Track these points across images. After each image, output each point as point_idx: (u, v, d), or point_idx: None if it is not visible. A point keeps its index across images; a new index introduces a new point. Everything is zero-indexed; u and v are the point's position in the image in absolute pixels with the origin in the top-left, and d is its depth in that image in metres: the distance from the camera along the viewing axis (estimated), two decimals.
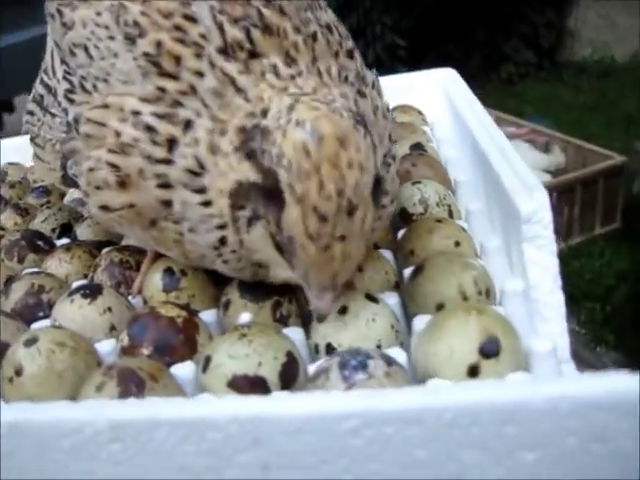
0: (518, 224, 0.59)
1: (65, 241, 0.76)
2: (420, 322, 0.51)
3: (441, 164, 0.77)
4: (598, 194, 2.50)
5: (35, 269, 0.68)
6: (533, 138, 2.79)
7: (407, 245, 0.61)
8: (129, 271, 0.64)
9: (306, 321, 0.54)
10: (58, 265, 0.68)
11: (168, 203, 0.51)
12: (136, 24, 0.52)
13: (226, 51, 0.49)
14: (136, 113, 0.50)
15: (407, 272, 0.58)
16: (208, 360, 0.47)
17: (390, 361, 0.44)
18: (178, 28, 0.50)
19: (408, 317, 0.55)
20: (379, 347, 0.49)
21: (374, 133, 0.48)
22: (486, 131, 0.74)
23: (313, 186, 0.41)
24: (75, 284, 0.64)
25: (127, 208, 0.53)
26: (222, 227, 0.49)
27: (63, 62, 0.60)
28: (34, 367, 0.48)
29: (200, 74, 0.49)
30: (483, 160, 0.70)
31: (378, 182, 0.46)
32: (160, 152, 0.50)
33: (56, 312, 0.57)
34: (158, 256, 0.63)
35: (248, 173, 0.46)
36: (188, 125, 0.49)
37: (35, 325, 0.59)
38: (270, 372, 0.46)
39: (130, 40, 0.52)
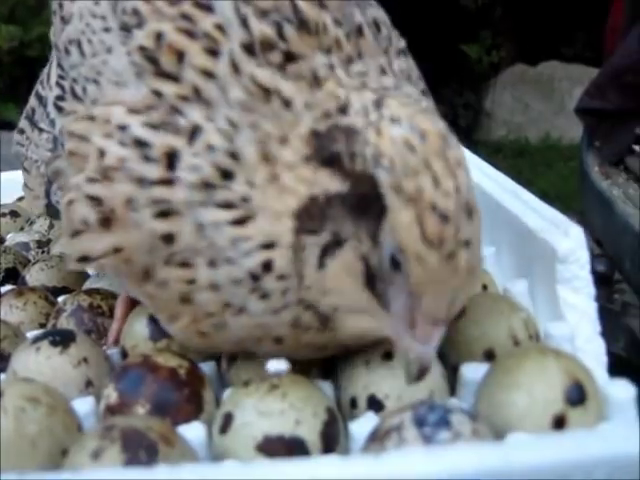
0: (551, 265, 0.54)
1: (10, 288, 0.64)
2: (470, 371, 0.44)
3: None
4: None
5: None
6: None
7: None
8: (101, 317, 0.54)
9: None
10: (8, 312, 0.56)
11: (169, 238, 0.40)
12: (135, 12, 0.43)
13: (253, 51, 0.40)
14: (123, 127, 0.41)
15: None
16: (229, 418, 0.38)
17: (473, 415, 0.36)
18: (185, 17, 0.41)
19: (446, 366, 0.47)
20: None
21: None
22: (489, 178, 0.70)
23: (427, 182, 0.35)
24: (31, 333, 0.53)
25: (112, 254, 0.42)
26: (268, 246, 0.39)
27: (59, 66, 0.51)
28: None
29: (210, 75, 0.40)
30: (492, 205, 0.65)
31: None
32: (155, 171, 0.40)
33: (16, 363, 0.46)
34: (135, 300, 0.53)
35: (328, 184, 0.37)
36: (196, 132, 0.40)
37: None
38: (309, 432, 0.37)
39: (126, 31, 0.43)
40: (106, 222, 0.41)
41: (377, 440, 0.35)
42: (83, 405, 0.43)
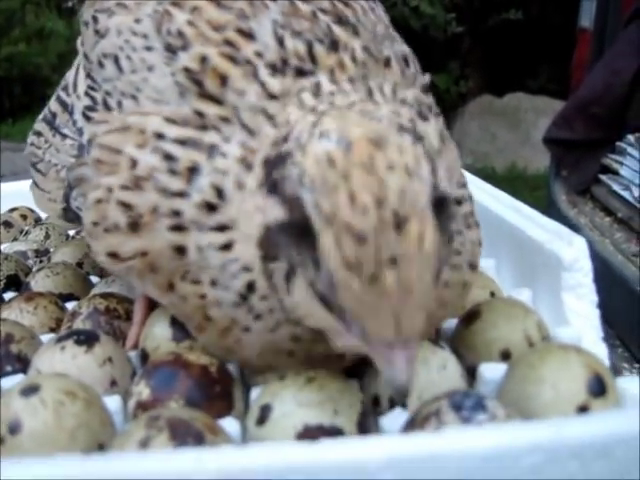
0: (556, 273, 0.56)
1: (13, 295, 0.64)
2: (489, 370, 0.45)
3: None
4: None
5: None
6: None
7: None
8: (118, 321, 0.54)
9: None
10: (19, 316, 0.56)
11: (182, 250, 0.42)
12: (180, 34, 0.44)
13: (275, 66, 0.42)
14: (159, 136, 0.42)
15: (445, 323, 0.53)
16: (267, 410, 0.39)
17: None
18: (229, 43, 0.43)
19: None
20: None
21: (439, 160, 0.37)
22: (487, 193, 0.73)
23: (342, 199, 0.32)
24: (44, 336, 0.53)
25: (139, 257, 0.44)
26: (248, 269, 0.40)
27: (88, 76, 0.52)
28: (37, 423, 0.37)
29: (243, 93, 0.41)
30: (491, 218, 0.68)
31: (442, 202, 0.35)
32: (177, 183, 0.41)
33: (40, 362, 0.46)
34: (152, 304, 0.54)
35: (274, 211, 0.36)
36: (212, 151, 0.41)
37: (5, 381, 0.47)
38: (347, 422, 0.38)
39: (171, 52, 0.44)
40: (135, 226, 0.43)
41: (415, 426, 0.36)
42: (111, 403, 0.43)
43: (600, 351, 0.53)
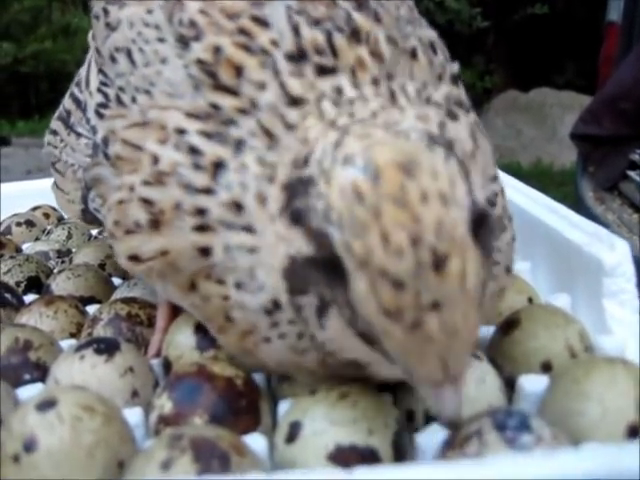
0: (596, 278, 0.53)
1: (34, 297, 0.62)
2: (529, 383, 0.43)
3: None
4: None
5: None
6: None
7: None
8: (140, 327, 0.52)
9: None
10: (38, 320, 0.54)
11: (207, 251, 0.39)
12: (192, 24, 0.42)
13: (296, 58, 0.39)
14: (180, 131, 0.40)
15: (481, 331, 0.50)
16: (296, 427, 0.36)
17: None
18: (244, 32, 0.40)
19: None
20: None
21: (472, 165, 0.35)
22: (522, 193, 0.70)
23: (374, 240, 0.29)
24: (63, 342, 0.51)
25: (159, 257, 0.41)
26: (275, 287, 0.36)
27: (100, 72, 0.50)
28: (53, 440, 0.35)
29: (263, 86, 0.39)
30: (527, 220, 0.65)
31: (482, 219, 0.32)
32: (202, 179, 0.39)
33: (58, 372, 0.44)
34: (175, 310, 0.52)
35: (299, 243, 0.33)
36: (239, 146, 0.38)
37: (22, 390, 0.45)
38: (382, 442, 0.36)
39: (183, 43, 0.42)
40: (156, 224, 0.41)
41: (455, 447, 0.34)
42: (132, 416, 0.41)
43: None
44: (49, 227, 0.86)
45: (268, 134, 0.37)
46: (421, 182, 0.30)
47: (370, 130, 0.33)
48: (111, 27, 0.48)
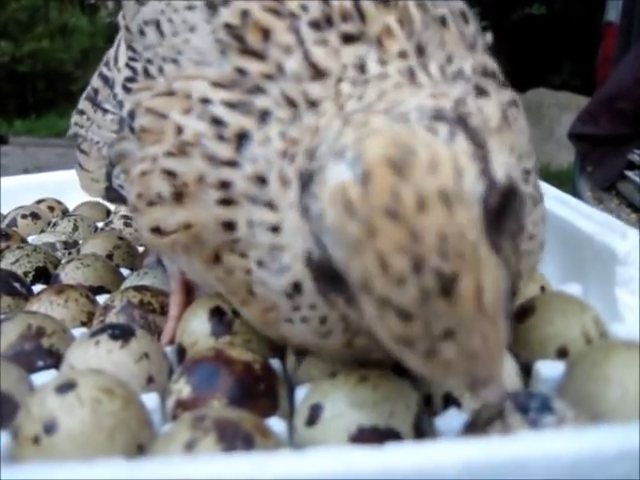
0: (609, 267, 0.53)
1: (42, 287, 0.62)
2: (546, 368, 0.43)
3: None
4: None
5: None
6: None
7: None
8: (152, 315, 0.52)
9: None
10: (49, 309, 0.54)
11: (231, 225, 0.38)
12: None
13: (321, 26, 0.37)
14: (205, 101, 0.39)
15: None
16: (318, 410, 0.36)
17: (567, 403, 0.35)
18: None
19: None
20: None
21: (496, 139, 0.32)
22: None
23: (373, 265, 0.26)
24: (75, 330, 0.51)
25: (183, 230, 0.40)
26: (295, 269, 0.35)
27: (129, 48, 0.50)
28: (74, 422, 0.35)
29: (289, 50, 0.37)
30: None
31: (509, 194, 0.29)
32: (226, 150, 0.38)
33: (73, 357, 0.44)
34: (189, 297, 0.52)
35: (309, 242, 0.31)
36: (264, 117, 0.37)
37: (36, 377, 0.45)
38: (403, 424, 0.35)
39: (212, 9, 0.41)
40: (179, 196, 0.40)
41: (477, 430, 0.34)
42: (148, 401, 0.41)
43: None
44: (54, 219, 0.85)
45: (292, 105, 0.36)
46: (416, 182, 0.26)
47: (369, 117, 0.30)
48: (141, 2, 0.48)
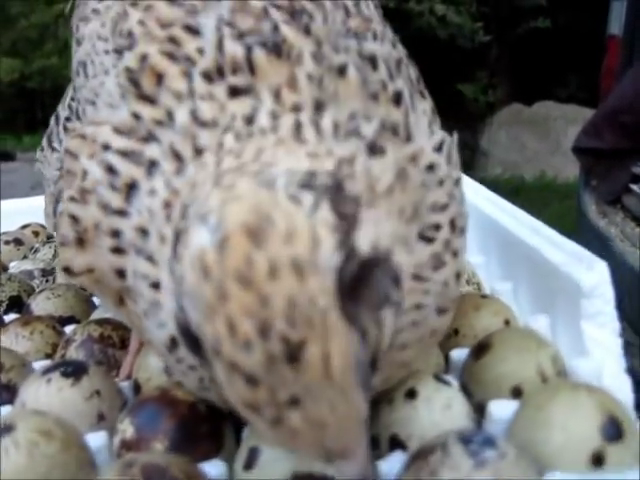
0: (575, 300, 0.53)
1: (14, 317, 0.62)
2: (498, 408, 0.42)
3: None
4: None
5: None
6: None
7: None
8: (112, 349, 0.52)
9: None
10: (14, 341, 0.54)
11: (122, 273, 0.38)
12: (130, 34, 0.40)
13: (211, 77, 0.36)
14: (106, 147, 0.38)
15: (456, 353, 0.50)
16: (255, 453, 0.36)
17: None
18: (172, 40, 0.38)
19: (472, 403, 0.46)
20: None
21: (383, 202, 0.32)
22: (506, 212, 0.70)
23: (222, 329, 0.26)
24: (37, 363, 0.51)
25: (87, 273, 0.40)
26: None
27: (73, 88, 0.50)
28: (9, 465, 0.35)
29: (180, 97, 0.36)
30: (510, 239, 0.64)
31: (373, 265, 0.29)
32: (117, 200, 0.37)
33: (25, 394, 0.44)
34: None
35: (173, 303, 0.31)
36: (151, 168, 0.36)
37: None
38: None
39: (119, 53, 0.41)
40: (81, 242, 0.40)
41: (419, 457, 0.34)
42: (95, 439, 0.41)
43: (622, 384, 0.49)
44: (37, 245, 0.86)
45: (178, 157, 0.35)
46: (270, 251, 0.26)
47: (237, 180, 0.29)
48: (79, 43, 0.48)
